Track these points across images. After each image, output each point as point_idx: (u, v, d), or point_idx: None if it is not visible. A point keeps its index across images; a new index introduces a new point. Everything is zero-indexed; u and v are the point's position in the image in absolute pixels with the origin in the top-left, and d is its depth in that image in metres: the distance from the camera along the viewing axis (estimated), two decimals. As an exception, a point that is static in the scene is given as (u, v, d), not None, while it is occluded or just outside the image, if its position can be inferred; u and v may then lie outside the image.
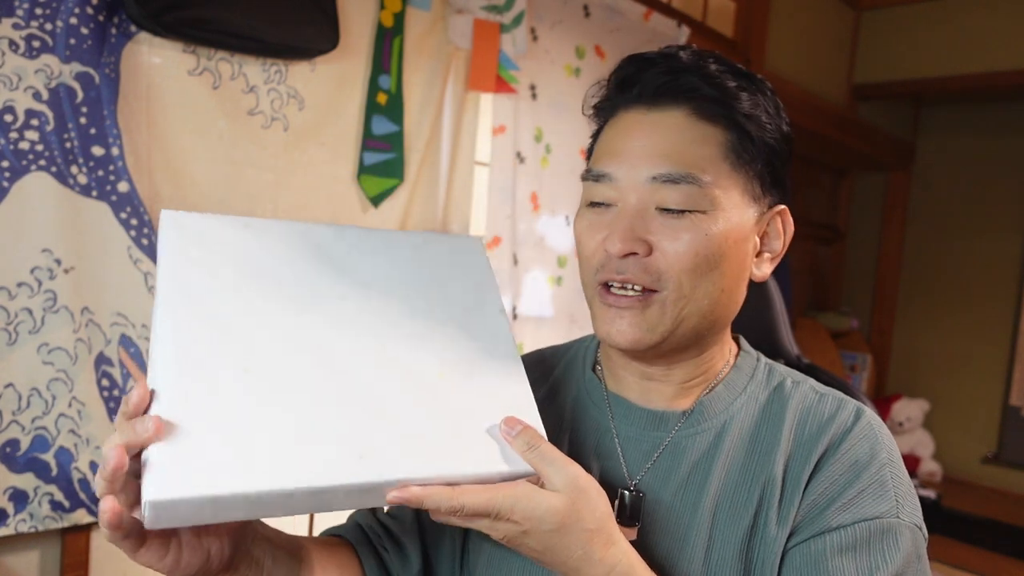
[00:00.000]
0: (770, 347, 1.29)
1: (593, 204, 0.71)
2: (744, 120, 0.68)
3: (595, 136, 0.76)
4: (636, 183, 0.67)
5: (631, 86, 0.70)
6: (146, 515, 0.48)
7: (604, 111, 0.74)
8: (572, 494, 0.58)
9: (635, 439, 0.74)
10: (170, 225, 0.63)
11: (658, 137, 0.68)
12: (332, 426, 0.55)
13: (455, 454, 0.57)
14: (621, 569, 0.60)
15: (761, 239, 0.72)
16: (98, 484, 0.51)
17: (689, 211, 0.66)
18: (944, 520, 2.99)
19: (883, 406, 3.44)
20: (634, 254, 0.67)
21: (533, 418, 0.63)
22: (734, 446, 0.71)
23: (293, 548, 0.70)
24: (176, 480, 0.49)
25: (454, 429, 0.59)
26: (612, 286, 0.69)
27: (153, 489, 0.48)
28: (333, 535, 0.80)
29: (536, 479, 0.59)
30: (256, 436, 0.52)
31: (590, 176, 0.71)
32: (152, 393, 0.53)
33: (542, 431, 0.62)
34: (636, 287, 0.67)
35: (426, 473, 0.55)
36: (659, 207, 0.67)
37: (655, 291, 0.67)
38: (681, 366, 0.73)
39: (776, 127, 0.70)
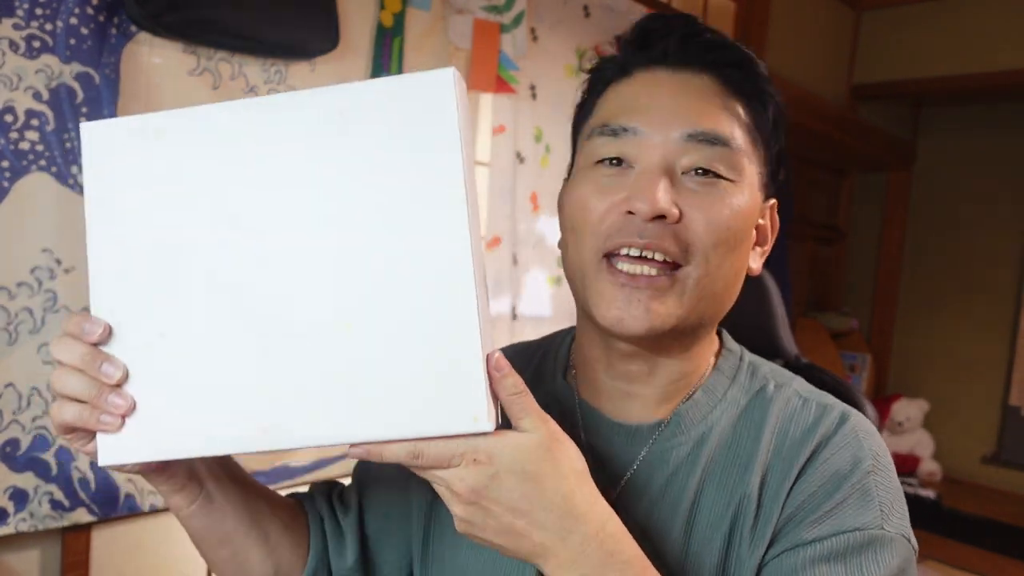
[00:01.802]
0: (769, 347, 1.29)
1: (604, 162, 0.63)
2: (766, 98, 0.65)
3: (590, 98, 0.68)
4: (666, 140, 0.60)
5: (653, 44, 0.65)
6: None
7: (612, 70, 0.67)
8: (548, 437, 0.51)
9: (607, 456, 0.67)
10: (88, 141, 0.56)
11: (688, 96, 0.62)
12: (243, 394, 0.53)
13: (386, 416, 0.51)
14: (611, 528, 0.52)
15: (758, 230, 0.67)
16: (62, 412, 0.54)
17: (723, 177, 0.61)
18: (944, 520, 2.99)
19: (883, 406, 3.44)
20: (662, 217, 0.59)
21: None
22: (711, 460, 0.64)
23: (242, 480, 0.67)
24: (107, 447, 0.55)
25: (386, 386, 0.51)
26: (616, 260, 0.60)
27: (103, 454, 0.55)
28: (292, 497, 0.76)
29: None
30: (178, 405, 0.54)
31: (606, 131, 0.62)
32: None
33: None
34: (658, 256, 0.59)
35: (345, 439, 0.51)
36: (689, 169, 0.61)
37: (679, 266, 0.60)
38: (667, 365, 0.66)
39: (784, 113, 0.67)
